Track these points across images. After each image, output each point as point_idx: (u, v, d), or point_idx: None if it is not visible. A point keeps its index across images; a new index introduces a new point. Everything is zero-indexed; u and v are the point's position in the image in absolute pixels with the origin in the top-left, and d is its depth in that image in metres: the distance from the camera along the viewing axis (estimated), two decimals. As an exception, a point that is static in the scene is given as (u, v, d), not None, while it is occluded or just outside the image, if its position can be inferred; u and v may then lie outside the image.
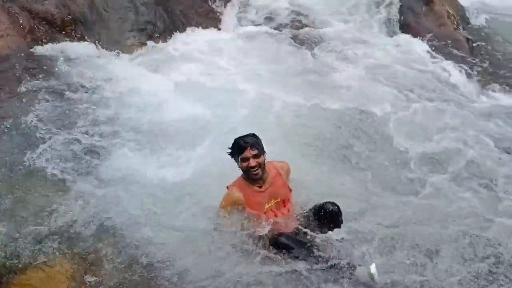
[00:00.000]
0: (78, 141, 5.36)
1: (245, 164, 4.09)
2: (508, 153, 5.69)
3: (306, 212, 4.19)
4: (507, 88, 7.26)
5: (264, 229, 4.01)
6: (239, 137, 4.16)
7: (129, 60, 7.32)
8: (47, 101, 5.91)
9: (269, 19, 8.66)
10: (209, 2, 8.56)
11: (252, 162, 4.06)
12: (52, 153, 5.11)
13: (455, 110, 6.38)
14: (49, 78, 6.36)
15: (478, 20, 9.73)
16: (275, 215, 4.15)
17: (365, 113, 6.13)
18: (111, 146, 5.38)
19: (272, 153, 4.39)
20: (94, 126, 5.67)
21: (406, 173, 5.07)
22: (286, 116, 6.03)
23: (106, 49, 7.28)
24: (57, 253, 4.02)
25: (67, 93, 6.16)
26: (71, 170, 4.94)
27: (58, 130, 5.47)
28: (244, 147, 4.06)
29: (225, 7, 8.63)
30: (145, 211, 4.53)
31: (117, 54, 7.31)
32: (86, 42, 7.19)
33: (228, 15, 8.57)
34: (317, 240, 3.87)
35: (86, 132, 5.52)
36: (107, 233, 4.25)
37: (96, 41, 7.31)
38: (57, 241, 4.11)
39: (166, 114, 6.11)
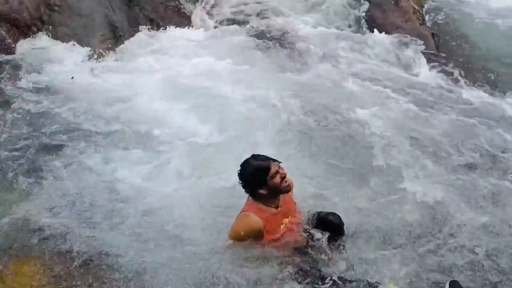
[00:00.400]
0: (38, 142, 5.23)
1: (277, 177, 3.83)
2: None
3: (308, 221, 4.10)
4: (480, 83, 7.50)
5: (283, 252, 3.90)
6: (253, 160, 3.90)
7: (96, 60, 7.10)
8: (6, 102, 5.81)
9: (240, 17, 8.60)
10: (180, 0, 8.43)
11: (282, 172, 3.85)
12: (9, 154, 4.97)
13: (435, 109, 6.53)
14: (10, 80, 6.20)
15: (438, 15, 9.92)
16: (292, 231, 4.01)
17: (348, 116, 6.18)
18: (71, 149, 5.27)
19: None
20: (57, 128, 5.55)
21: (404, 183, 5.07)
22: (269, 118, 5.99)
23: (72, 49, 7.06)
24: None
25: (28, 93, 6.03)
26: (28, 171, 4.80)
27: (16, 131, 5.36)
28: (268, 165, 3.84)
29: (195, 4, 8.57)
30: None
31: (83, 54, 7.09)
32: (51, 42, 7.00)
33: (200, 13, 8.48)
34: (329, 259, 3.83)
35: (48, 134, 5.40)
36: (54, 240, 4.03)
37: (62, 41, 7.10)
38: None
39: (137, 116, 5.98)
